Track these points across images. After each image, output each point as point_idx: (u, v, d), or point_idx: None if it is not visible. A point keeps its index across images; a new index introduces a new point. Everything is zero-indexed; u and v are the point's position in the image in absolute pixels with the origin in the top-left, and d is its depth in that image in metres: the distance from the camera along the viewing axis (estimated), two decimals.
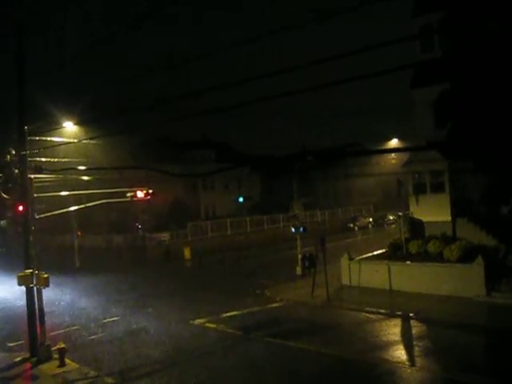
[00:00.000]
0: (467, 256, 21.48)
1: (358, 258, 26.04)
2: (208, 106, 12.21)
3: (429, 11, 25.55)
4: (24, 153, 16.62)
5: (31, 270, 16.40)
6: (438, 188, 27.09)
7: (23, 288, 16.70)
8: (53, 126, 19.15)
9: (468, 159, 22.21)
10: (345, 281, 25.30)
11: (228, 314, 21.49)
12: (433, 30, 25.84)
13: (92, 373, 15.05)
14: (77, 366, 15.67)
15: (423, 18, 26.34)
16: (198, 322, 20.61)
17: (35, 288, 16.46)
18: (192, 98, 12.73)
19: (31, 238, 16.82)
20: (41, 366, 15.80)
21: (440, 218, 25.58)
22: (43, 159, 18.11)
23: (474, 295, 19.85)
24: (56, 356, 15.95)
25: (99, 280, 35.03)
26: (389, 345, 16.27)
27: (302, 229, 29.18)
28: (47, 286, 16.36)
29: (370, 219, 64.98)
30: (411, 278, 22.40)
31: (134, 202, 24.57)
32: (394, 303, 20.85)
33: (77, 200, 27.07)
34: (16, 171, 16.81)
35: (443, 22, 22.25)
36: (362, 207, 71.99)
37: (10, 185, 17.28)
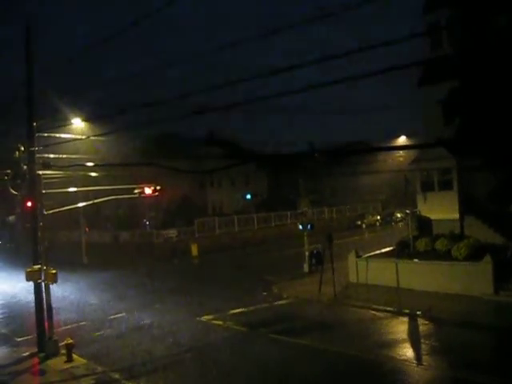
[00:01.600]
0: (475, 254, 21.37)
1: (366, 255, 25.98)
2: (215, 103, 12.22)
3: (438, 8, 25.42)
4: (33, 149, 16.70)
5: (39, 266, 16.48)
6: (445, 186, 27.03)
7: (31, 283, 16.79)
8: (61, 123, 19.23)
9: (476, 157, 22.09)
10: (352, 278, 25.27)
11: (235, 311, 21.51)
12: (442, 27, 25.73)
13: (99, 368, 15.11)
14: (84, 361, 15.74)
15: (432, 15, 26.22)
16: (204, 318, 20.65)
17: (43, 284, 16.54)
18: (201, 94, 12.75)
19: (39, 234, 16.90)
20: (48, 361, 15.88)
21: (448, 216, 25.49)
22: (51, 155, 18.19)
23: (482, 294, 19.77)
24: (63, 351, 16.01)
25: (106, 276, 35.19)
26: (396, 343, 16.23)
27: (309, 226, 29.16)
28: (55, 281, 16.44)
29: (378, 217, 64.91)
30: (419, 276, 22.32)
31: (142, 198, 24.59)
32: (401, 301, 20.77)
33: (85, 196, 27.18)
34: (25, 167, 16.89)
35: (452, 19, 22.13)
36: (370, 205, 71.89)
37: (18, 181, 17.36)
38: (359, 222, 62.08)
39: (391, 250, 26.41)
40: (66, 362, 15.57)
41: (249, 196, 68.08)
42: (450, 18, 22.45)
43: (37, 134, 16.93)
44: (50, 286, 16.62)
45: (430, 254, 23.22)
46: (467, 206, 25.80)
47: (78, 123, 20.26)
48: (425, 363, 14.14)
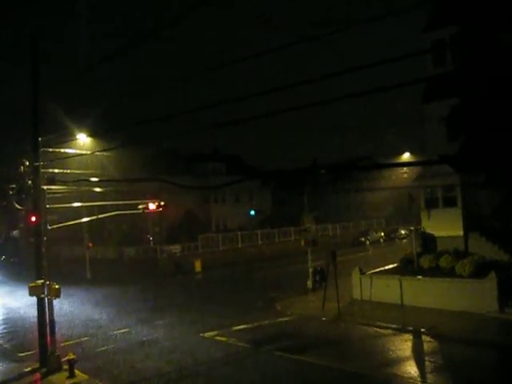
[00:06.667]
0: (479, 271, 21.25)
1: (370, 272, 25.89)
2: (220, 119, 12.30)
3: (442, 26, 25.55)
4: (37, 164, 16.76)
5: (42, 281, 16.47)
6: (450, 202, 26.95)
7: (34, 298, 16.77)
8: (66, 138, 19.33)
9: (480, 173, 22.08)
10: (356, 295, 25.15)
11: (238, 327, 21.41)
12: (445, 45, 25.86)
13: None
14: (86, 377, 15.65)
15: (435, 32, 26.35)
16: (208, 334, 20.54)
17: (46, 299, 16.52)
18: (204, 110, 12.81)
19: (43, 249, 16.91)
20: (50, 377, 15.80)
21: (452, 233, 25.39)
22: (56, 170, 18.26)
23: (487, 311, 19.63)
24: (66, 367, 15.95)
25: (110, 291, 35.09)
26: (400, 360, 16.12)
27: (312, 242, 29.09)
28: (58, 296, 16.42)
29: (382, 233, 64.74)
30: (423, 293, 22.22)
31: (146, 213, 24.61)
32: (405, 318, 20.68)
33: (89, 211, 27.22)
34: (29, 182, 16.96)
35: (456, 36, 22.24)
36: (374, 221, 71.80)
37: (23, 195, 17.44)
38: (363, 239, 61.87)
39: (395, 267, 26.31)
40: (68, 377, 15.49)
41: (253, 212, 68.10)
42: (454, 35, 22.57)
43: (42, 149, 17.01)
44: (53, 300, 16.60)
45: (434, 271, 23.11)
46: (471, 223, 25.71)
47: (82, 138, 20.38)
48: (429, 381, 14.05)
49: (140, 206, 22.47)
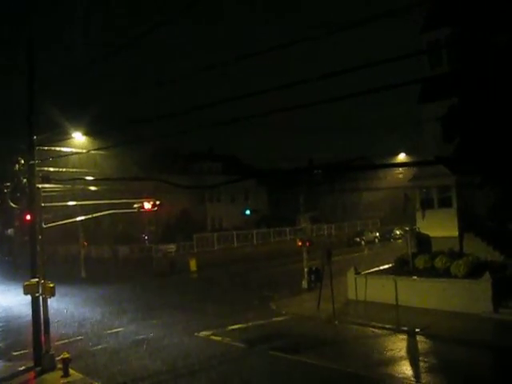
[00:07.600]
0: (474, 272, 21.32)
1: (365, 272, 25.92)
2: (215, 119, 12.28)
3: (438, 27, 25.60)
4: (32, 162, 16.72)
5: (37, 280, 16.43)
6: (445, 203, 27.02)
7: (29, 297, 16.72)
8: (61, 137, 19.26)
9: (476, 174, 22.13)
10: (351, 295, 25.19)
11: (233, 327, 21.40)
12: (441, 45, 25.92)
13: (96, 383, 15.00)
14: (81, 376, 15.61)
15: (432, 33, 26.41)
16: (202, 334, 20.53)
17: (41, 297, 16.48)
18: (200, 110, 12.79)
19: (38, 248, 16.86)
20: (45, 376, 15.76)
21: (447, 233, 25.46)
22: (51, 169, 18.20)
23: (481, 311, 19.68)
24: (60, 366, 15.92)
25: (105, 290, 35.03)
26: (394, 360, 16.14)
27: (308, 242, 29.11)
28: (53, 295, 16.38)
29: (377, 234, 64.80)
30: (418, 293, 22.26)
31: (141, 213, 24.54)
32: (400, 318, 20.71)
33: (84, 210, 27.12)
34: (24, 180, 16.91)
35: (452, 37, 22.30)
36: (369, 221, 71.92)
37: (18, 194, 17.39)
38: (358, 239, 61.93)
39: (390, 267, 26.34)
40: (62, 376, 15.46)
41: (248, 211, 68.05)
42: (450, 36, 22.63)
43: (37, 148, 16.96)
44: (48, 299, 16.56)
45: (429, 272, 23.15)
46: (466, 224, 25.78)
47: (78, 137, 20.31)
48: (423, 381, 14.08)
49: (135, 205, 22.38)
